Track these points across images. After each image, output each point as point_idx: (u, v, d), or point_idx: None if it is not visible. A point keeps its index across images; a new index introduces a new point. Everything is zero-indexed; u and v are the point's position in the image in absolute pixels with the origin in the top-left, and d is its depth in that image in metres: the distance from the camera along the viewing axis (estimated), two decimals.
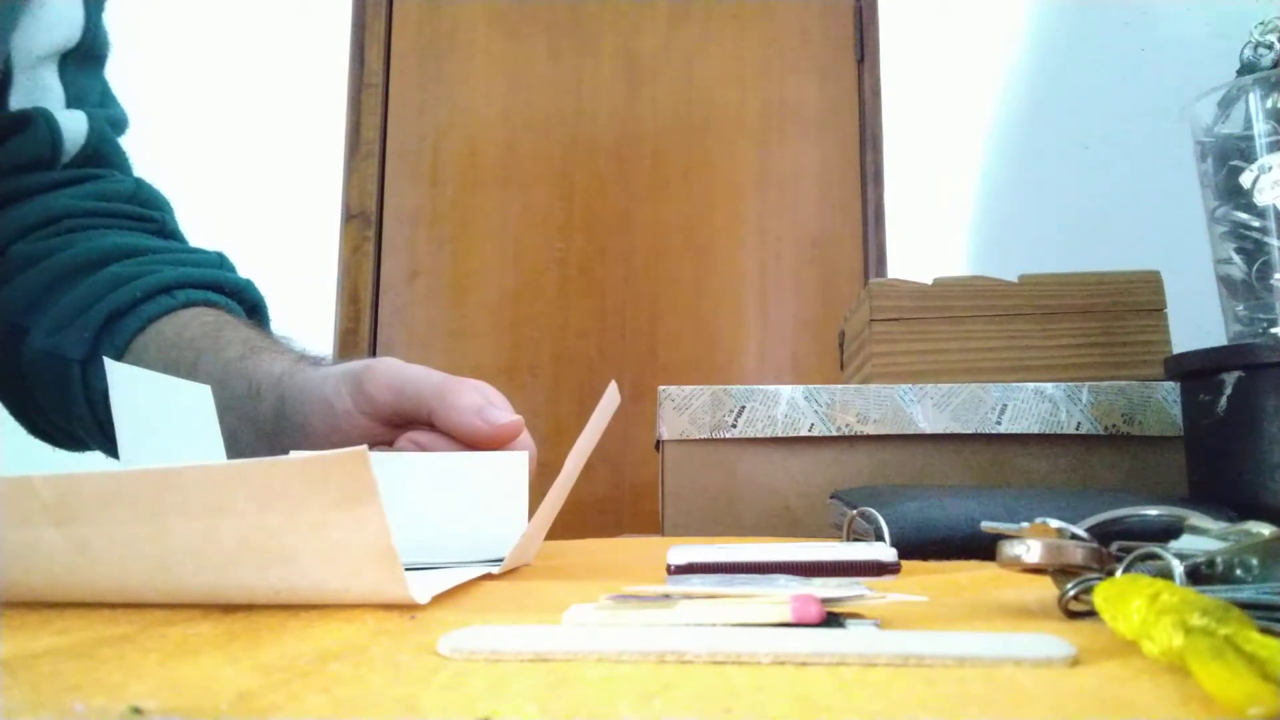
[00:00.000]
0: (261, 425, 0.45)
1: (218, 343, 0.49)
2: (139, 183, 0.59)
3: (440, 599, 0.23)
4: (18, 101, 0.54)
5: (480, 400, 0.40)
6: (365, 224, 1.91)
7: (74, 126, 0.56)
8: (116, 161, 0.60)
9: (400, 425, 0.42)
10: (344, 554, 0.20)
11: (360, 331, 1.86)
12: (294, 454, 0.19)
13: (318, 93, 1.92)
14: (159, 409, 0.33)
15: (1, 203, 0.55)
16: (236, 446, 0.46)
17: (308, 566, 0.20)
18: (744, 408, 0.60)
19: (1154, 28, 1.79)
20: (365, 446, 0.19)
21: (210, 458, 0.33)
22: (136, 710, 0.13)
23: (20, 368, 0.53)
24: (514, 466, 0.34)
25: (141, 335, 0.51)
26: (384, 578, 0.20)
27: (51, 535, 0.19)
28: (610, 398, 0.34)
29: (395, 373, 0.42)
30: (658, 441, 0.61)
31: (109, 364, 0.31)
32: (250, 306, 0.57)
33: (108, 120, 0.59)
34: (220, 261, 0.57)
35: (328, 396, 0.43)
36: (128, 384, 0.31)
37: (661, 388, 0.61)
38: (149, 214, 0.58)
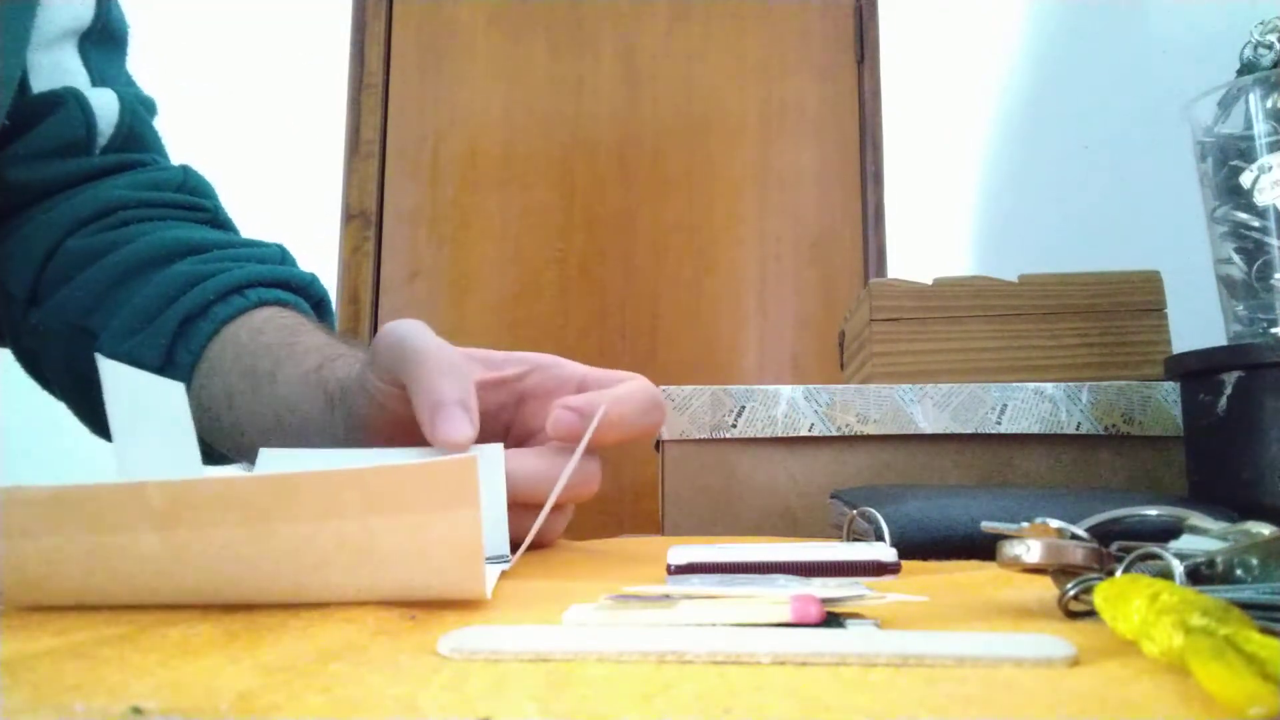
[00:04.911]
0: (336, 436, 0.43)
1: (294, 351, 0.47)
2: (185, 170, 0.57)
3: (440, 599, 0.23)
4: (41, 84, 0.52)
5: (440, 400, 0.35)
6: (365, 224, 1.91)
7: (105, 103, 0.54)
8: (151, 142, 0.58)
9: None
10: (435, 553, 0.20)
11: (360, 331, 1.85)
12: (402, 459, 0.19)
13: (318, 93, 1.92)
14: (151, 409, 0.33)
15: (46, 191, 0.53)
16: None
17: (397, 565, 0.21)
18: (744, 408, 0.60)
19: (1154, 27, 1.79)
20: (474, 455, 0.19)
21: (186, 458, 0.33)
22: (136, 710, 0.13)
23: (89, 371, 0.51)
24: (489, 458, 0.34)
25: (215, 339, 0.49)
26: (465, 575, 0.21)
27: (150, 540, 0.19)
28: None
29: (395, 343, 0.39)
30: (657, 441, 0.61)
31: (101, 361, 0.31)
32: (315, 302, 0.55)
33: (138, 100, 0.57)
34: (282, 256, 0.56)
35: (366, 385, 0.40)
36: (122, 383, 0.31)
37: (661, 388, 0.61)
38: (200, 203, 0.57)
